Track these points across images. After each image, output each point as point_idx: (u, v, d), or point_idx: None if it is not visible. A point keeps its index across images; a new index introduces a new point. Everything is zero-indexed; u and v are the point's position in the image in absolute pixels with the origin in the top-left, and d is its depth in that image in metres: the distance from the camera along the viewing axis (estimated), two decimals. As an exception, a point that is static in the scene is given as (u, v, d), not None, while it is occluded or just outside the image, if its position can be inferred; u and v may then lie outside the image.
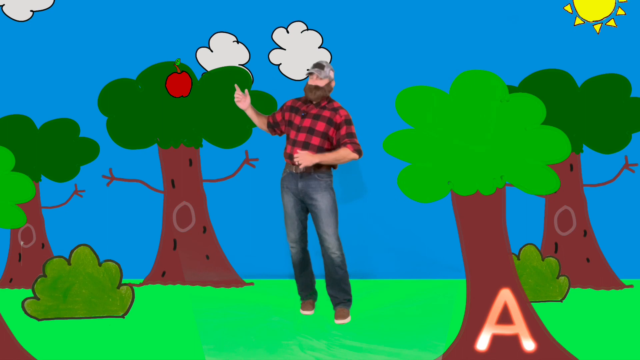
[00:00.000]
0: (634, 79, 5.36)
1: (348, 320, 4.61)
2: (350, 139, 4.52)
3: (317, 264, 4.85)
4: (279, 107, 5.45)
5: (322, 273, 4.79)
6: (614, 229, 5.54)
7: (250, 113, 4.81)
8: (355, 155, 4.52)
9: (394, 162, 3.67)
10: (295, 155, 4.45)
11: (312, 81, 4.57)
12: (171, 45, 5.57)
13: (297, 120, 4.62)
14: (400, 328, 4.48)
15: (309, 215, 4.71)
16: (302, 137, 4.55)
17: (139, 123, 5.58)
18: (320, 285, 4.86)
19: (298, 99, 4.73)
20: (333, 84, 4.65)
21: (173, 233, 5.65)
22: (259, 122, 4.84)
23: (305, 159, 4.43)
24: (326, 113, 4.57)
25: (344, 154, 4.50)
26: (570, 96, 5.40)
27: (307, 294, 4.85)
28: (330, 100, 4.64)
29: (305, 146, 4.53)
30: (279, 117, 4.76)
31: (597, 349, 4.02)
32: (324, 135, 4.54)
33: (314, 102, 4.61)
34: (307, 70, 4.59)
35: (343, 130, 4.55)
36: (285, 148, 4.65)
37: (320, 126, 4.54)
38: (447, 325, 4.41)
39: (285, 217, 4.72)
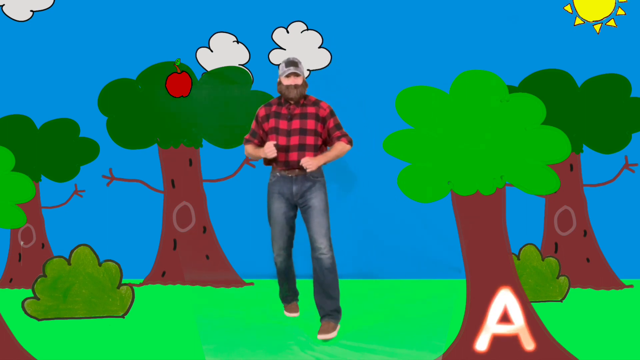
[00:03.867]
0: (634, 79, 5.36)
1: (333, 335, 4.29)
2: (340, 132, 4.46)
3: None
4: None
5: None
6: (614, 229, 5.54)
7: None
8: (349, 147, 4.48)
9: (394, 162, 3.67)
10: (302, 163, 4.30)
11: (292, 80, 4.40)
12: (171, 45, 5.57)
13: (283, 125, 4.43)
14: (400, 328, 4.47)
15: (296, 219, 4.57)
16: (295, 140, 4.40)
17: (139, 123, 5.59)
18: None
19: (269, 105, 4.55)
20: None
21: (173, 233, 5.65)
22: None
23: (312, 163, 4.31)
24: (310, 110, 4.45)
25: (341, 148, 4.45)
26: (570, 96, 5.40)
27: (292, 297, 4.80)
28: (306, 96, 4.50)
29: (302, 148, 4.40)
30: (261, 132, 4.54)
31: (597, 349, 4.02)
32: (316, 133, 4.43)
33: (293, 102, 4.45)
34: (285, 70, 4.40)
35: (331, 123, 4.47)
36: (276, 155, 4.41)
37: (311, 124, 4.42)
38: (447, 325, 4.40)
39: (273, 224, 4.51)
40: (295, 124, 4.43)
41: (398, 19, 5.56)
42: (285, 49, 5.61)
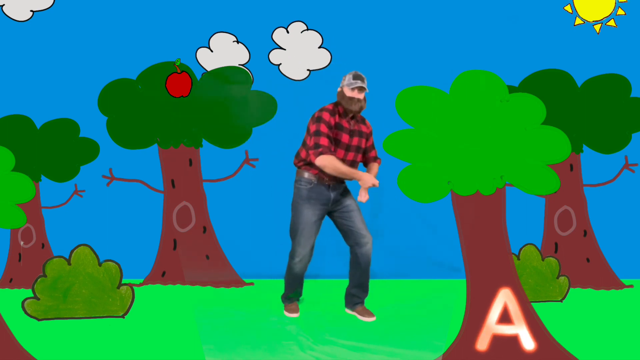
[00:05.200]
0: (634, 79, 5.36)
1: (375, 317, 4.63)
2: (375, 151, 4.68)
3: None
4: (278, 107, 5.48)
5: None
6: (614, 229, 5.55)
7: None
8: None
9: (394, 162, 3.67)
10: (362, 200, 4.48)
11: (357, 94, 4.44)
12: (171, 45, 5.57)
13: (345, 138, 4.45)
14: (400, 328, 4.47)
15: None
16: (351, 156, 4.51)
17: (139, 123, 5.59)
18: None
19: (333, 113, 4.44)
20: None
21: (173, 233, 5.65)
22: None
23: (366, 196, 4.49)
24: (364, 128, 4.59)
25: (376, 170, 4.64)
26: (570, 96, 5.40)
27: (296, 298, 4.83)
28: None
29: (353, 164, 4.52)
30: (334, 135, 4.46)
31: (597, 349, 4.02)
32: (365, 151, 4.65)
33: (351, 115, 4.51)
34: (353, 83, 4.42)
35: (371, 140, 4.64)
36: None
37: (363, 142, 4.57)
38: (447, 325, 4.40)
39: (303, 230, 4.50)
40: (355, 140, 4.52)
41: (398, 19, 5.56)
42: (285, 49, 5.61)
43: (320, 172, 4.46)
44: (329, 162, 4.31)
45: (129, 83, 5.56)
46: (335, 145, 4.42)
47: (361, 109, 4.49)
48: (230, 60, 5.62)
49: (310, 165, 4.48)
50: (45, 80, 5.59)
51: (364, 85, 4.45)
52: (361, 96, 4.47)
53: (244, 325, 4.55)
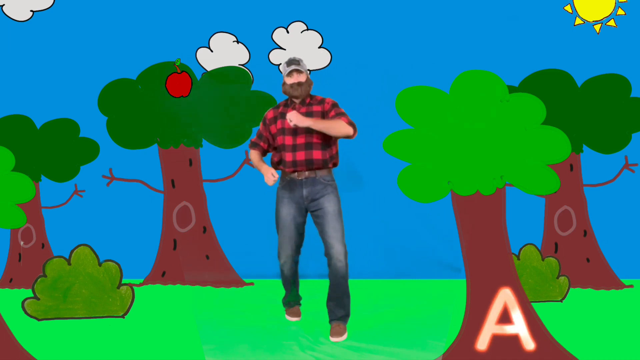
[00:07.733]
0: (634, 79, 5.36)
1: (344, 337, 4.26)
2: (341, 116, 4.26)
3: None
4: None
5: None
6: (614, 229, 5.54)
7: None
8: (350, 130, 4.20)
9: (394, 162, 3.67)
10: (287, 116, 4.16)
11: (295, 78, 4.29)
12: (171, 45, 5.58)
13: (288, 124, 4.29)
14: (400, 328, 4.47)
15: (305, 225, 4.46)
16: (301, 139, 4.28)
17: (139, 123, 5.59)
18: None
19: (276, 107, 4.45)
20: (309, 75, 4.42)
21: (173, 233, 5.65)
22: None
23: (297, 117, 4.15)
24: (316, 108, 4.32)
25: (337, 124, 4.19)
26: (570, 96, 5.40)
27: (295, 302, 4.74)
28: (312, 96, 4.39)
29: (309, 146, 4.26)
30: (267, 134, 4.43)
31: (597, 349, 4.02)
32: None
33: (299, 101, 4.34)
34: (287, 69, 4.31)
35: (332, 113, 4.29)
36: (283, 157, 4.33)
37: None
38: (447, 325, 4.40)
39: (281, 230, 4.41)
40: None
41: (398, 19, 5.56)
42: (285, 49, 5.61)
43: (285, 167, 4.35)
44: (250, 155, 4.55)
45: (129, 83, 5.57)
46: (282, 134, 4.33)
47: (305, 92, 4.32)
48: (230, 60, 5.62)
49: (279, 162, 4.41)
50: (45, 80, 5.59)
51: (299, 68, 4.29)
52: (301, 78, 4.31)
53: (244, 325, 4.54)
